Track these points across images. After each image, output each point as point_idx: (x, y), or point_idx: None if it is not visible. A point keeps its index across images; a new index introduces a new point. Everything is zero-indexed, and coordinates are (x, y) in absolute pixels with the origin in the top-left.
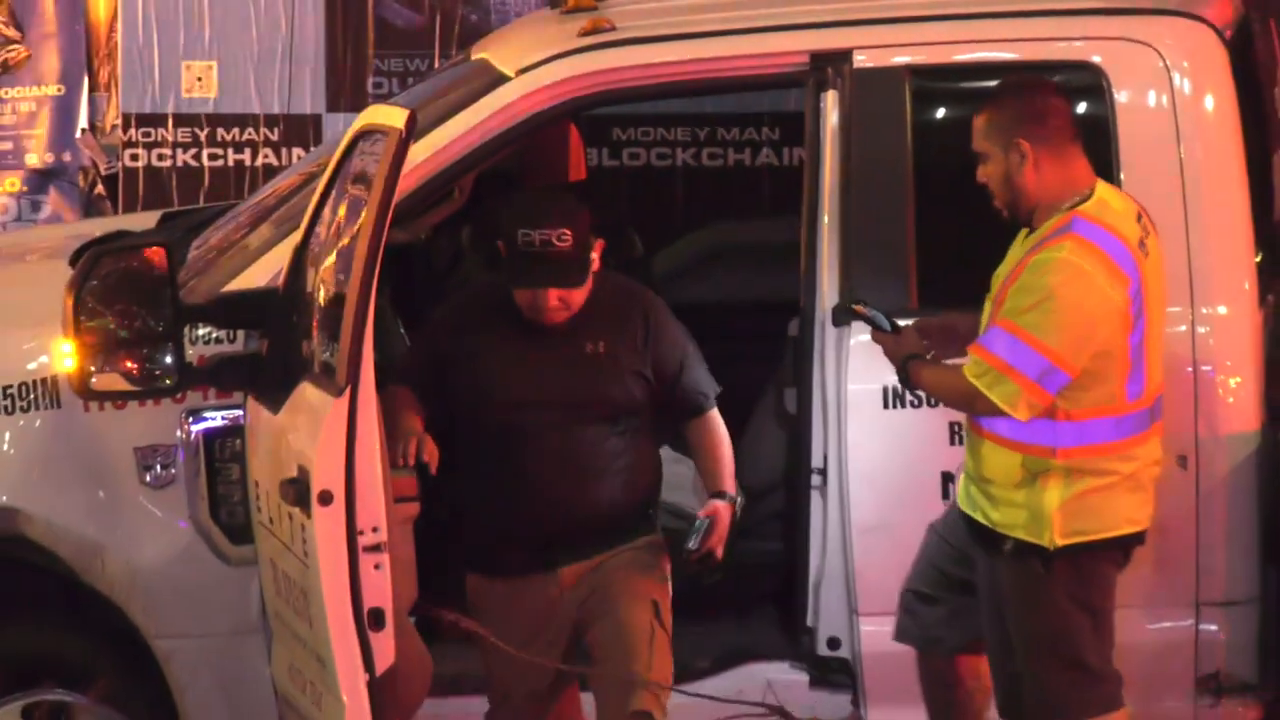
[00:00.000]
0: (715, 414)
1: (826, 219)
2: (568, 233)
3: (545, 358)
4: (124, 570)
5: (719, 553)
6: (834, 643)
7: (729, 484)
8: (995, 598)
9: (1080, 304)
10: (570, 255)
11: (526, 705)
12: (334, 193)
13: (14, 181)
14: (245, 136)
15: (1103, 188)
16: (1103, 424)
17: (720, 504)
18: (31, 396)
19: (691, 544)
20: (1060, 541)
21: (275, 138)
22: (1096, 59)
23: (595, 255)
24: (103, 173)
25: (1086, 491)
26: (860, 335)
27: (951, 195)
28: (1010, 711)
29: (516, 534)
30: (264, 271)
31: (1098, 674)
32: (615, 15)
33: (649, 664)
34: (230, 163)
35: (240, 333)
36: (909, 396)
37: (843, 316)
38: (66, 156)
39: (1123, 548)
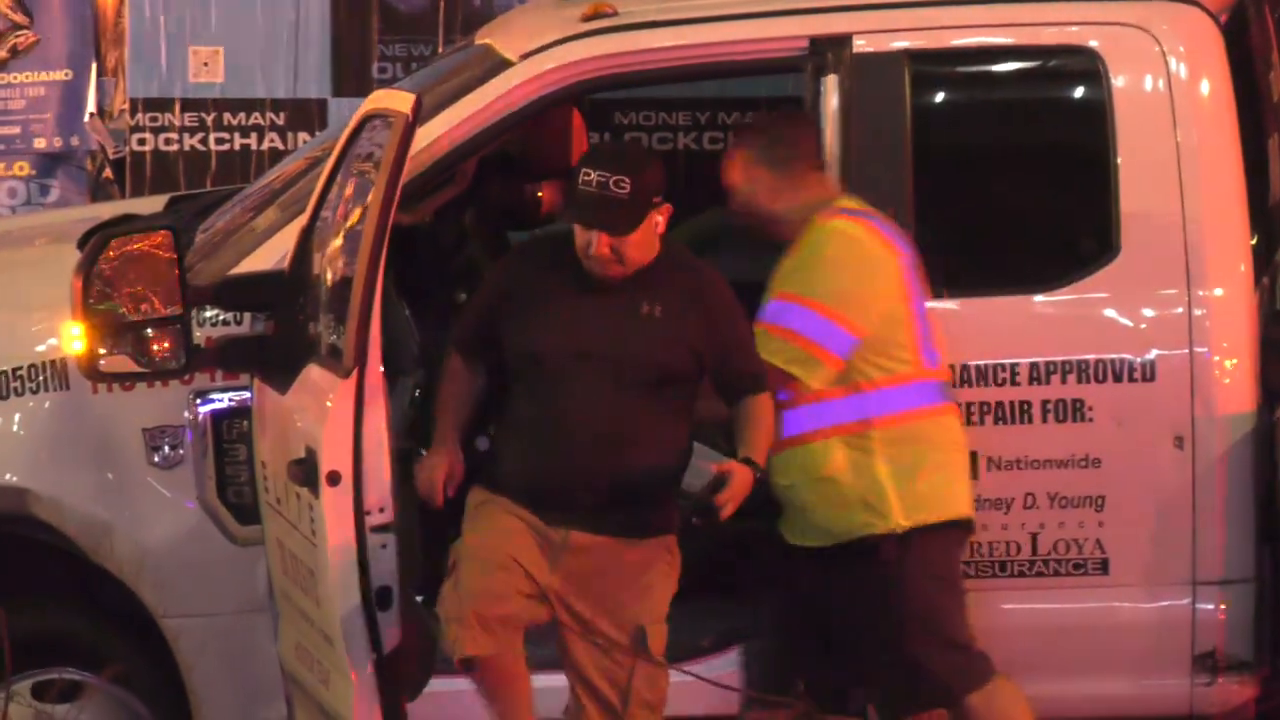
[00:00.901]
0: (766, 398)
1: None
2: (626, 180)
3: (599, 309)
4: (132, 550)
5: (728, 510)
6: None
7: (759, 456)
8: (861, 599)
9: (851, 263)
10: (624, 202)
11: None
12: (340, 176)
13: (22, 166)
14: (252, 121)
15: (858, 200)
16: (908, 390)
17: (745, 467)
18: (41, 378)
19: (702, 491)
20: (905, 523)
21: (281, 122)
22: (1093, 43)
23: (661, 219)
24: (110, 157)
25: (917, 471)
26: None
27: (951, 179)
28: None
29: (543, 480)
30: (270, 254)
31: (970, 648)
32: (617, 0)
33: (627, 693)
34: (237, 147)
35: (247, 315)
36: None
37: None
38: (75, 141)
39: (963, 530)
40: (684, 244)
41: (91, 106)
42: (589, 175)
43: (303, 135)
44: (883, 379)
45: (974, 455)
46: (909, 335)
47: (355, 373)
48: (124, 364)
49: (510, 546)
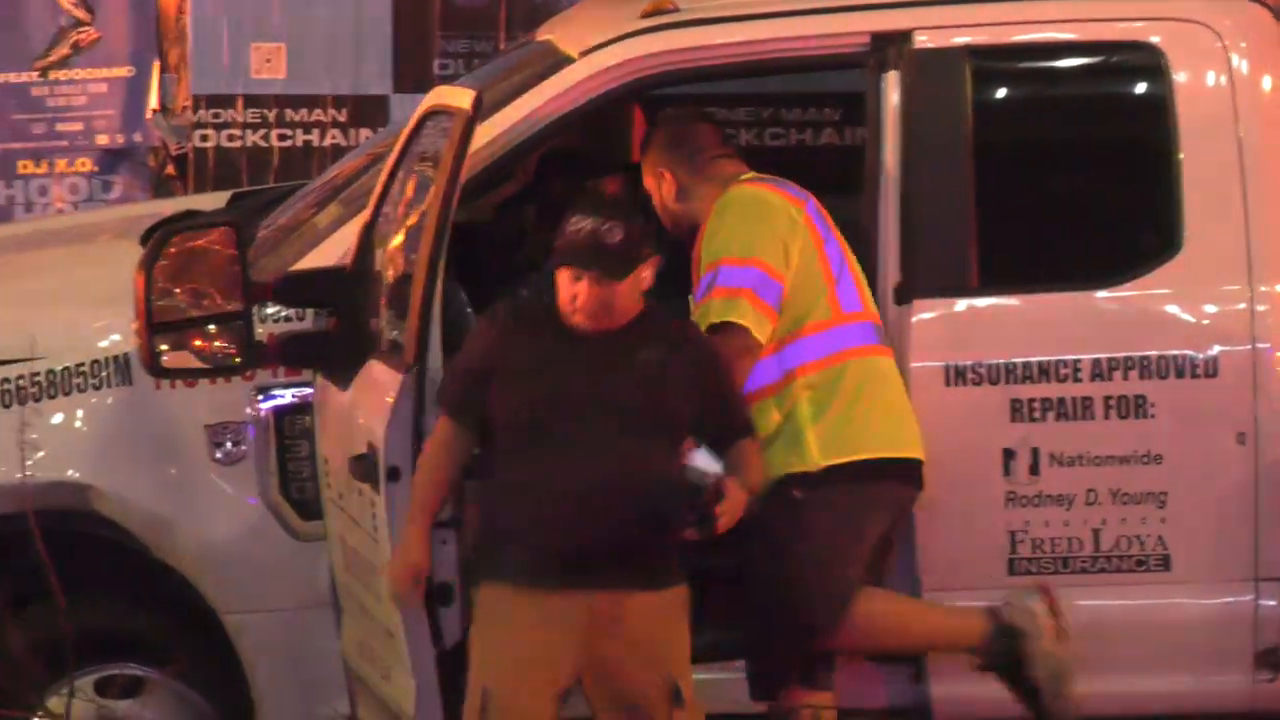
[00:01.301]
0: (757, 443)
1: (887, 199)
2: (619, 228)
3: (593, 362)
4: (195, 546)
5: (722, 524)
6: None
7: (756, 487)
8: (760, 535)
9: (754, 216)
10: (614, 248)
11: None
12: (401, 172)
13: (85, 162)
14: (314, 117)
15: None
16: (827, 335)
17: (742, 489)
18: (103, 374)
19: (706, 497)
20: (822, 462)
21: (343, 118)
22: (1155, 39)
23: (648, 272)
24: (173, 153)
25: (836, 412)
26: (923, 314)
27: (1011, 174)
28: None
29: (557, 545)
30: (332, 250)
31: (848, 600)
32: None
33: None
34: (299, 143)
35: (309, 311)
36: (971, 374)
37: (904, 295)
38: (137, 137)
39: (890, 474)
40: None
41: (154, 103)
42: (580, 223)
43: (364, 131)
44: (802, 329)
45: (1035, 451)
46: (825, 281)
47: (416, 369)
48: (186, 360)
49: (534, 675)
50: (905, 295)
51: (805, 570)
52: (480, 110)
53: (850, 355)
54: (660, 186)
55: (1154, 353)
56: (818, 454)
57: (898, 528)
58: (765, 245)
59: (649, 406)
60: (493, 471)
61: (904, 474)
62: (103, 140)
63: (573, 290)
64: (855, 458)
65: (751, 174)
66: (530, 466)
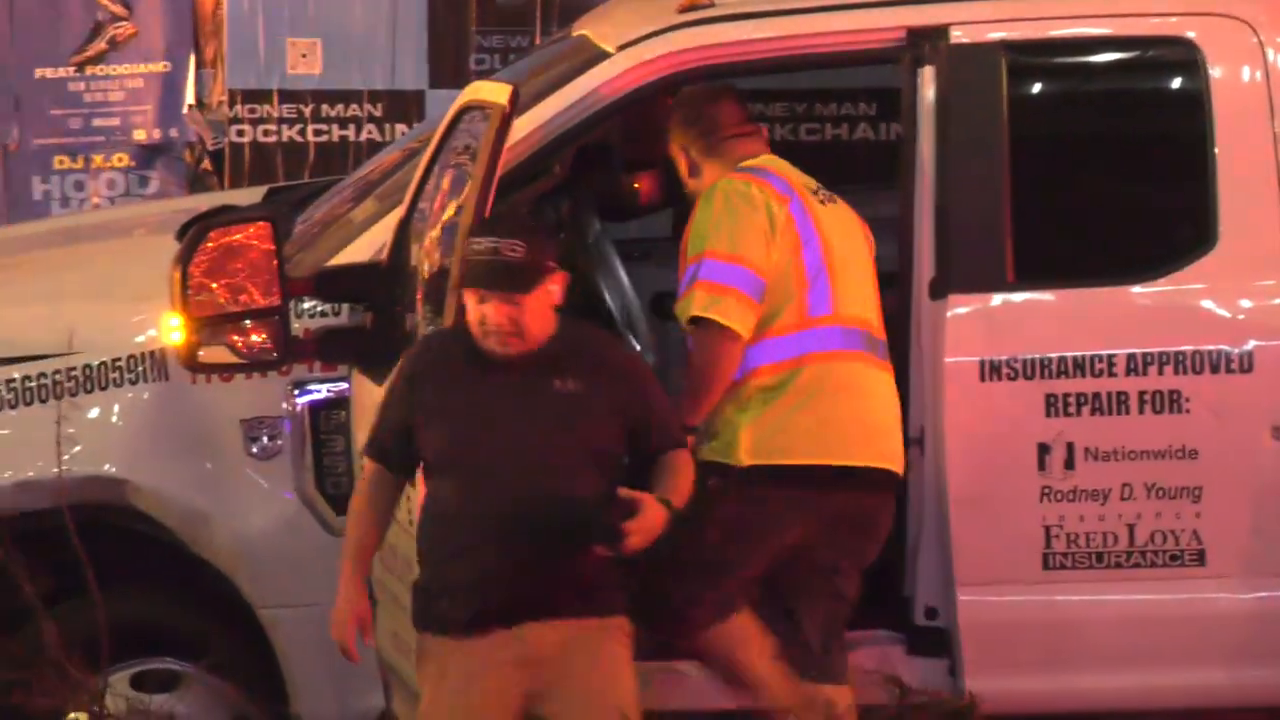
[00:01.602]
0: (687, 453)
1: (923, 193)
2: (519, 244)
3: (509, 395)
4: (231, 540)
5: (634, 541)
6: (931, 612)
7: (677, 500)
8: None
9: (741, 209)
10: (518, 264)
11: None
12: (437, 168)
13: (121, 157)
14: (349, 112)
15: (771, 158)
16: (792, 339)
17: (659, 505)
18: (140, 369)
19: (607, 513)
20: (746, 461)
21: (379, 113)
22: (1191, 34)
23: (556, 288)
24: (209, 148)
25: (779, 413)
26: (959, 309)
27: (1047, 169)
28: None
29: (486, 583)
30: (368, 245)
31: (729, 609)
32: None
33: None
34: (335, 138)
35: (344, 306)
36: (1006, 369)
37: (940, 290)
38: (173, 132)
39: (822, 481)
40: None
41: (190, 98)
42: (479, 244)
43: (400, 126)
44: (766, 331)
45: (1070, 446)
46: (796, 285)
47: None
48: (222, 355)
49: None
50: (940, 290)
51: (697, 554)
52: (516, 105)
53: (808, 360)
54: (681, 166)
55: (1189, 348)
56: (743, 453)
57: (845, 538)
58: (751, 241)
59: (568, 439)
60: (428, 511)
61: (842, 482)
62: (139, 136)
63: (480, 312)
64: (779, 461)
65: (749, 162)
66: (455, 504)
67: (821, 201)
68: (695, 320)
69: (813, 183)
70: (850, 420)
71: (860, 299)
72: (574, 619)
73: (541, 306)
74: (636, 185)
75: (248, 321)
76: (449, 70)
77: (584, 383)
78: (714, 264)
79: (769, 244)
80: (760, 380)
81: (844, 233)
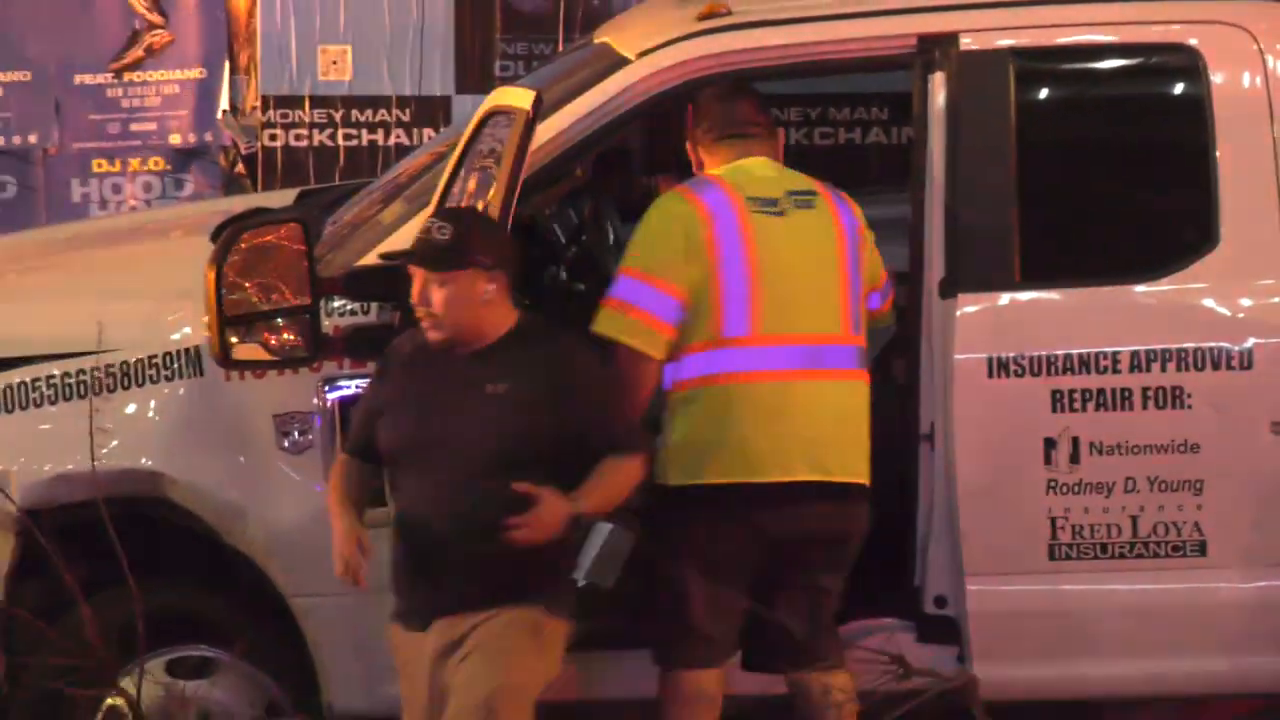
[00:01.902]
0: (629, 459)
1: (933, 196)
2: (449, 227)
3: (444, 393)
4: (263, 532)
5: (520, 535)
6: (940, 601)
7: (587, 502)
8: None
9: (664, 230)
10: (442, 245)
11: None
12: (463, 170)
13: (158, 161)
14: (378, 117)
15: (754, 162)
16: (705, 357)
17: (559, 501)
18: (176, 366)
19: (487, 505)
20: (673, 482)
21: (407, 118)
22: (1193, 41)
23: (490, 287)
24: (243, 152)
25: (699, 432)
26: (968, 307)
27: (1053, 172)
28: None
29: (408, 584)
30: (397, 246)
31: (700, 634)
32: (732, 0)
33: None
34: (364, 142)
35: (373, 305)
36: (1014, 366)
37: (949, 289)
38: (208, 137)
39: (740, 501)
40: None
41: (224, 104)
42: (421, 227)
43: (427, 131)
44: (689, 346)
45: (1075, 440)
46: (711, 303)
47: None
48: (255, 352)
49: (426, 716)
50: (950, 289)
51: (667, 582)
52: (540, 110)
53: (717, 380)
54: (690, 158)
55: (1191, 345)
56: (672, 473)
57: (807, 554)
58: (665, 259)
59: (489, 444)
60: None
61: (771, 499)
62: (175, 140)
63: (414, 289)
64: (702, 481)
65: (725, 166)
66: (398, 501)
67: (780, 213)
68: (600, 337)
69: (777, 189)
70: (768, 438)
71: (809, 313)
72: (481, 611)
73: (462, 296)
74: (656, 188)
75: (280, 320)
76: (474, 76)
77: (521, 383)
78: (627, 281)
79: (685, 263)
80: (677, 395)
81: (798, 245)
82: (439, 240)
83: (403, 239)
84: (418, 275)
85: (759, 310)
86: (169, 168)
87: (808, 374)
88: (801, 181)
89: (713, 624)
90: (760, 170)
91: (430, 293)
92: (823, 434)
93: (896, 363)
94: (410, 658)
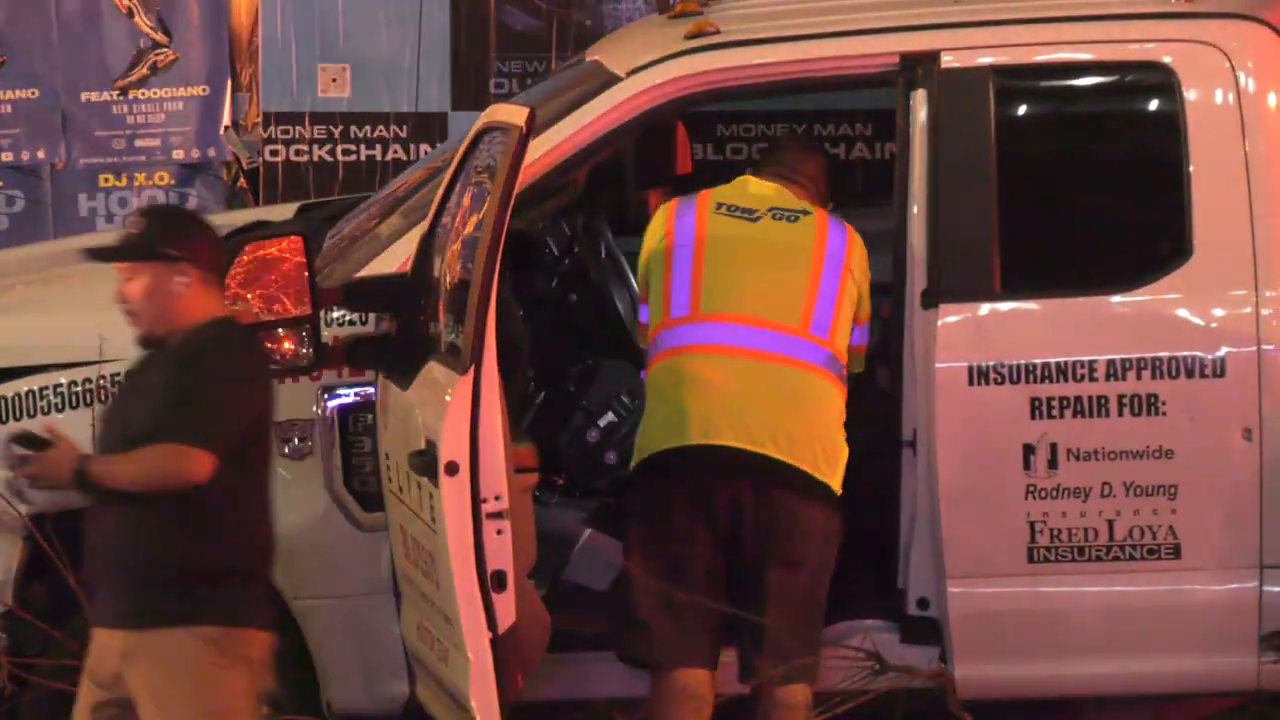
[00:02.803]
0: (157, 447)
1: (916, 209)
2: (141, 222)
3: (132, 387)
4: None
5: (30, 470)
6: (923, 603)
7: (103, 463)
8: None
9: (645, 240)
10: (127, 236)
11: None
12: (459, 185)
13: (163, 176)
14: (377, 133)
15: (757, 182)
16: (656, 339)
17: (72, 445)
18: None
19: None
20: (633, 467)
21: (404, 134)
22: (1167, 59)
23: (179, 278)
24: (245, 167)
25: (649, 412)
26: (949, 317)
27: (1032, 186)
28: None
29: (95, 584)
30: (394, 258)
31: (631, 617)
32: (720, 19)
33: None
34: (363, 158)
35: (371, 315)
36: (994, 374)
37: (931, 300)
38: (211, 152)
39: (656, 472)
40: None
41: (227, 120)
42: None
43: (424, 147)
44: (649, 336)
45: (1054, 446)
46: (664, 288)
47: (472, 370)
48: None
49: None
50: (932, 300)
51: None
52: (533, 126)
53: (665, 356)
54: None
55: (1165, 354)
56: (633, 461)
57: (751, 532)
58: (641, 268)
59: (132, 433)
60: None
61: (702, 461)
62: (179, 155)
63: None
64: (644, 455)
65: (732, 183)
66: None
67: (753, 220)
68: None
69: (761, 203)
70: (696, 404)
71: (759, 301)
72: (133, 630)
73: (151, 289)
74: (647, 202)
75: (281, 330)
76: (470, 94)
77: (164, 381)
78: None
79: (646, 263)
80: (647, 377)
81: (760, 244)
82: (129, 233)
83: (400, 252)
84: (119, 270)
85: (698, 291)
86: (173, 182)
87: (747, 353)
88: (795, 204)
89: (658, 616)
90: (756, 189)
91: (124, 285)
92: (756, 409)
93: (880, 371)
94: (96, 656)
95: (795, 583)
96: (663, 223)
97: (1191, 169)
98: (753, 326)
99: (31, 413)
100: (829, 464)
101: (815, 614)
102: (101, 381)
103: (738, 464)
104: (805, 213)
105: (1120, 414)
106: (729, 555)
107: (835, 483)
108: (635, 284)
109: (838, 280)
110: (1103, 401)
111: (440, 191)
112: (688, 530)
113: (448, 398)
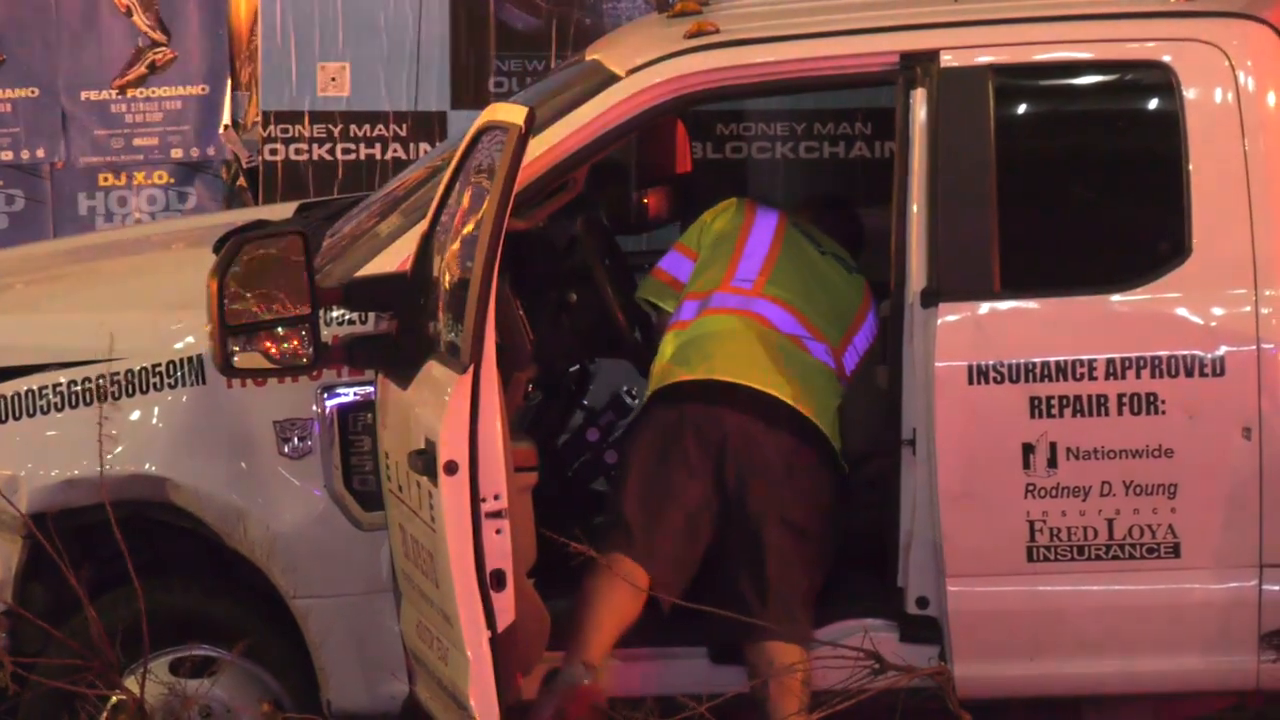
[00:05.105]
0: None
1: (915, 208)
2: None
3: None
4: (264, 535)
5: None
6: (922, 602)
7: None
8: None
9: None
10: None
11: None
12: (458, 184)
13: (162, 175)
14: (376, 132)
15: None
16: (712, 296)
17: None
18: (179, 374)
19: None
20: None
21: (404, 133)
22: (1166, 58)
23: None
24: (244, 166)
25: (676, 351)
26: (948, 316)
27: (1031, 185)
28: None
29: None
30: (393, 258)
31: (626, 521)
32: (719, 19)
33: None
34: (362, 157)
35: (371, 315)
36: (993, 373)
37: (931, 299)
38: (211, 151)
39: (678, 393)
40: None
41: (226, 119)
42: None
43: (424, 145)
44: (691, 293)
45: (1053, 445)
46: (729, 260)
47: (472, 369)
48: (256, 360)
49: None
50: (931, 299)
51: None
52: (533, 125)
53: (714, 312)
54: None
55: (1165, 353)
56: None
57: (735, 468)
58: (692, 234)
59: None
60: None
61: (702, 391)
62: (178, 154)
63: None
64: (660, 384)
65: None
66: None
67: (818, 249)
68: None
69: (835, 251)
70: (732, 353)
71: (807, 304)
72: None
73: None
74: (646, 201)
75: (280, 329)
76: (470, 93)
77: None
78: (672, 254)
79: (708, 232)
80: (676, 330)
81: (821, 269)
82: None
83: (399, 251)
84: None
85: (767, 273)
86: (173, 181)
87: (792, 339)
88: (851, 261)
89: (640, 514)
90: (825, 234)
91: None
92: (775, 369)
93: (879, 371)
94: None
95: (784, 541)
96: (743, 210)
97: (1191, 168)
98: (801, 324)
99: (32, 412)
100: (835, 432)
101: (799, 583)
102: (105, 381)
103: (756, 401)
104: (858, 271)
105: (1120, 413)
106: (719, 496)
107: (837, 447)
108: (638, 280)
109: (869, 342)
110: (1102, 401)
111: (440, 190)
112: (690, 452)
113: (447, 397)
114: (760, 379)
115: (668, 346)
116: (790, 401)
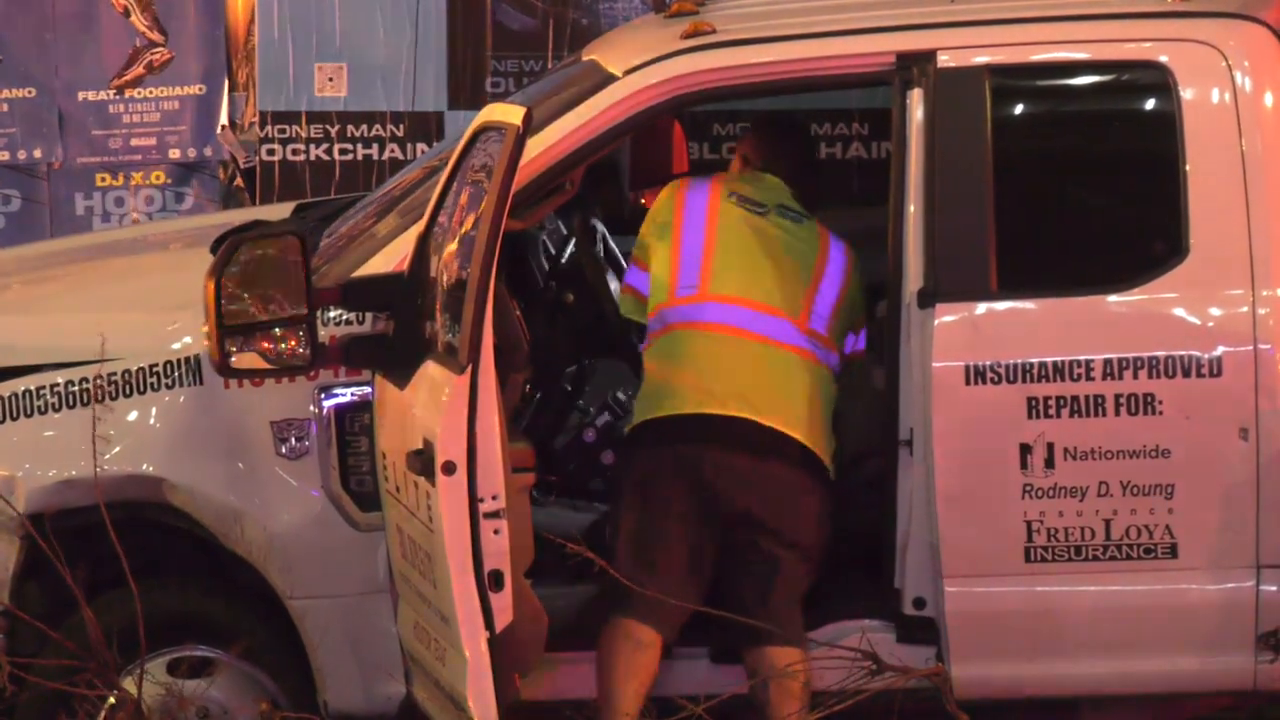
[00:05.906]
0: None
1: (912, 208)
2: None
3: None
4: (261, 535)
5: None
6: (919, 602)
7: None
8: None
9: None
10: None
11: None
12: (455, 184)
13: (159, 175)
14: (373, 132)
15: (771, 178)
16: (661, 313)
17: None
18: (176, 374)
19: None
20: (628, 428)
21: (401, 133)
22: (1163, 59)
23: None
24: (241, 166)
25: (648, 379)
26: (945, 317)
27: (1028, 185)
28: None
29: None
30: (390, 258)
31: (624, 581)
32: (716, 19)
33: None
34: (359, 157)
35: (368, 315)
36: (990, 373)
37: (927, 299)
38: (208, 151)
39: (650, 438)
40: None
41: (223, 119)
42: None
43: (421, 146)
44: (652, 309)
45: (1050, 446)
46: (672, 266)
47: (469, 369)
48: (254, 361)
49: None
50: (928, 299)
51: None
52: (530, 126)
53: (669, 329)
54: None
55: (1162, 353)
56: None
57: (733, 513)
58: (640, 243)
59: None
60: None
61: (695, 429)
62: (175, 154)
63: None
64: (643, 418)
65: (737, 174)
66: None
67: (761, 213)
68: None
69: (780, 201)
70: (694, 377)
71: (761, 288)
72: None
73: None
74: (643, 200)
75: (277, 329)
76: (467, 93)
77: None
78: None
79: (656, 239)
80: (646, 351)
81: (766, 236)
82: None
83: (397, 251)
84: None
85: (708, 272)
86: (170, 182)
87: (751, 335)
88: (797, 206)
89: (637, 570)
90: (770, 183)
91: None
92: (755, 386)
93: (876, 371)
94: None
95: (790, 557)
96: (672, 199)
97: (1188, 168)
98: (758, 311)
99: (29, 412)
100: (825, 441)
101: (797, 594)
102: (102, 381)
103: (733, 431)
104: (808, 217)
105: (1117, 413)
106: (714, 527)
107: (827, 459)
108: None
109: (838, 288)
110: (1099, 401)
111: (437, 191)
112: (676, 492)
113: (444, 397)
114: (728, 404)
115: (645, 373)
116: (762, 419)
